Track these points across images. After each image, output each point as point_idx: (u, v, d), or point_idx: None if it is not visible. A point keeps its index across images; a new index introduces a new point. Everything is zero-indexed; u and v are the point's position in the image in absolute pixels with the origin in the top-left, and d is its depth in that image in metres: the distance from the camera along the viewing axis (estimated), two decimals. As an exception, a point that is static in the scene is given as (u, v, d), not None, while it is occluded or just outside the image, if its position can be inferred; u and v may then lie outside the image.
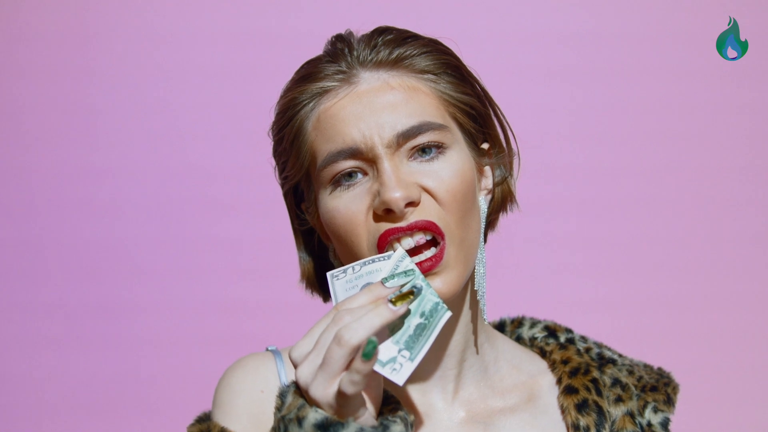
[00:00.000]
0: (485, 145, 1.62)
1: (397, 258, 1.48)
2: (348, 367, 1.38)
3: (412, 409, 1.61)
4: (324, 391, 1.39)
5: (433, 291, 1.44)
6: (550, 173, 2.79)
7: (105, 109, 2.79)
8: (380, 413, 1.45)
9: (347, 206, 1.52)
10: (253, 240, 2.77)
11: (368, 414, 1.42)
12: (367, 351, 1.36)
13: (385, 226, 1.50)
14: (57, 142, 2.78)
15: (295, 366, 1.42)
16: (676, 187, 2.82)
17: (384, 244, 1.50)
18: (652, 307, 2.81)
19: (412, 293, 1.43)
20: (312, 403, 1.40)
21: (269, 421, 1.56)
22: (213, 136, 2.79)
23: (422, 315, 1.43)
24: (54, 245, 2.78)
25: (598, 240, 2.81)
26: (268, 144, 1.64)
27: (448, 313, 1.43)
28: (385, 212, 1.50)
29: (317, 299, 1.68)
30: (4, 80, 2.79)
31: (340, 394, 1.38)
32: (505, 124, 1.65)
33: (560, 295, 2.78)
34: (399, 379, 1.41)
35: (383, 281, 1.44)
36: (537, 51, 2.81)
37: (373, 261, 1.48)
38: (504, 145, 1.65)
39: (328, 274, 1.48)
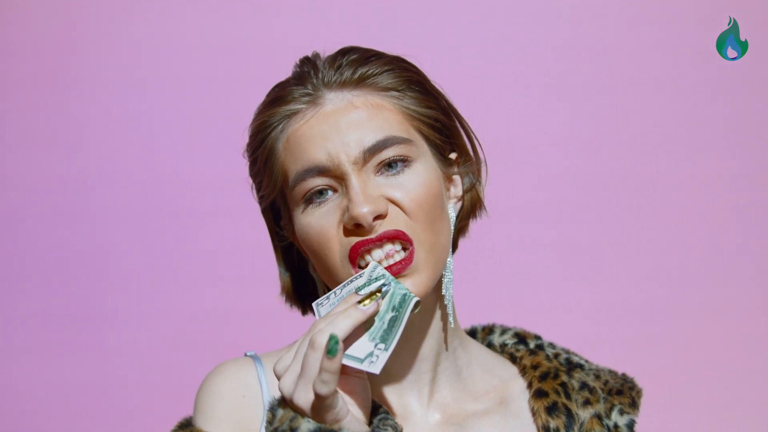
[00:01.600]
0: (453, 155, 1.68)
1: (370, 270, 1.55)
2: None
3: (389, 412, 1.68)
4: (305, 397, 1.46)
5: (401, 285, 1.53)
6: (541, 180, 2.82)
7: (84, 117, 2.82)
8: (370, 422, 1.52)
9: (319, 222, 1.59)
10: (232, 248, 2.80)
11: (356, 420, 1.49)
12: (330, 347, 1.43)
13: (356, 239, 1.57)
14: (36, 150, 2.82)
15: (279, 379, 1.49)
16: (668, 192, 2.84)
17: (355, 256, 1.57)
18: (636, 313, 2.83)
19: (380, 291, 1.51)
20: (297, 411, 1.47)
21: (250, 426, 1.63)
22: (191, 145, 2.82)
23: (393, 309, 1.51)
24: (32, 253, 2.82)
25: (583, 247, 2.83)
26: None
27: (416, 298, 1.52)
28: (354, 227, 1.57)
29: (296, 309, 1.75)
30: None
31: (316, 397, 1.45)
32: (471, 134, 1.71)
33: (544, 301, 2.81)
34: (375, 368, 1.48)
35: (357, 290, 1.52)
36: (530, 58, 2.84)
37: (351, 281, 1.56)
38: (471, 153, 1.71)
39: (313, 304, 1.57)
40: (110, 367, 2.82)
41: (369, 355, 1.48)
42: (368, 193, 1.57)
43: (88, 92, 2.82)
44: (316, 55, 1.67)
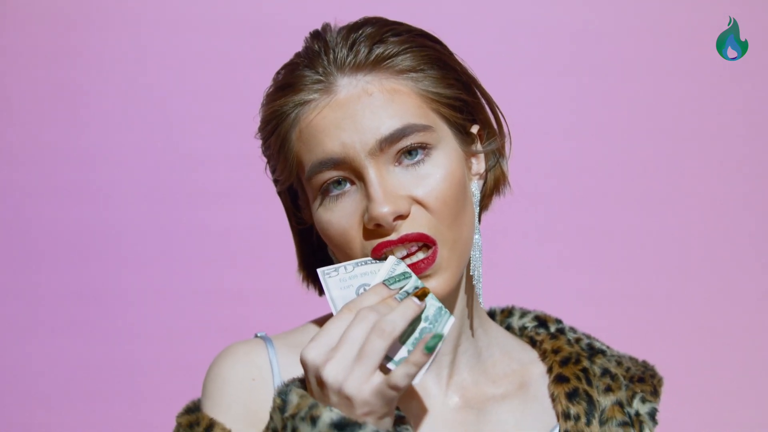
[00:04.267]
0: (475, 128, 1.61)
1: (392, 263, 1.50)
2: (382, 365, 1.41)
3: (408, 394, 1.63)
4: (361, 386, 1.39)
5: (433, 296, 1.48)
6: (548, 168, 2.80)
7: (93, 94, 2.78)
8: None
9: (339, 221, 1.54)
10: (243, 228, 2.77)
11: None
12: (432, 344, 1.39)
13: (377, 240, 1.52)
14: (44, 127, 2.78)
15: (316, 366, 1.41)
16: (674, 184, 2.83)
17: (378, 256, 1.52)
18: (646, 301, 2.82)
19: (427, 290, 1.46)
20: (341, 400, 1.40)
21: (261, 410, 1.56)
22: (202, 123, 2.79)
23: (426, 320, 1.46)
24: (42, 232, 2.78)
25: (592, 234, 2.82)
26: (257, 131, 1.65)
27: (453, 319, 1.47)
28: (375, 226, 1.51)
29: (305, 289, 1.70)
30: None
31: (392, 387, 1.39)
32: (495, 107, 1.64)
33: (553, 288, 2.80)
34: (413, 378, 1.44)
35: (386, 283, 1.47)
36: (537, 47, 2.82)
37: (366, 263, 1.51)
38: (495, 126, 1.64)
39: (319, 271, 1.51)
40: (120, 347, 2.78)
41: (403, 360, 1.43)
42: (388, 190, 1.51)
43: (98, 69, 2.80)
44: (327, 28, 1.60)
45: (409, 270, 1.49)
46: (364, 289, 1.50)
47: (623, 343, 1.88)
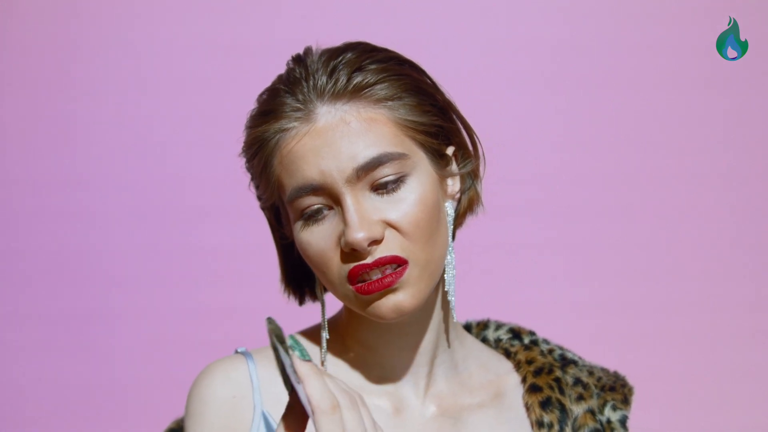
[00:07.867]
0: (450, 150, 1.68)
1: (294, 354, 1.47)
2: None
3: (387, 404, 1.70)
4: None
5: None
6: (534, 178, 2.82)
7: (81, 116, 2.82)
8: None
9: (318, 243, 1.61)
10: (228, 247, 2.81)
11: None
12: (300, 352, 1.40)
13: (353, 263, 1.59)
14: (33, 149, 2.83)
15: None
16: (665, 190, 2.85)
17: (354, 278, 1.60)
18: (629, 311, 2.84)
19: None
20: None
21: (241, 427, 1.63)
22: (187, 144, 2.83)
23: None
24: (29, 253, 2.83)
25: (577, 245, 2.84)
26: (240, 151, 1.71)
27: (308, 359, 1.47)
28: (351, 250, 1.59)
29: (291, 305, 1.76)
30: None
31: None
32: (471, 132, 1.71)
33: (537, 299, 2.82)
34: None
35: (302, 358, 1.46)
36: (527, 55, 2.84)
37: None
38: (470, 148, 1.71)
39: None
40: (107, 366, 2.82)
41: None
42: (363, 215, 1.58)
43: (86, 91, 2.83)
44: (308, 52, 1.66)
45: (289, 339, 1.46)
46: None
47: (603, 353, 1.93)
